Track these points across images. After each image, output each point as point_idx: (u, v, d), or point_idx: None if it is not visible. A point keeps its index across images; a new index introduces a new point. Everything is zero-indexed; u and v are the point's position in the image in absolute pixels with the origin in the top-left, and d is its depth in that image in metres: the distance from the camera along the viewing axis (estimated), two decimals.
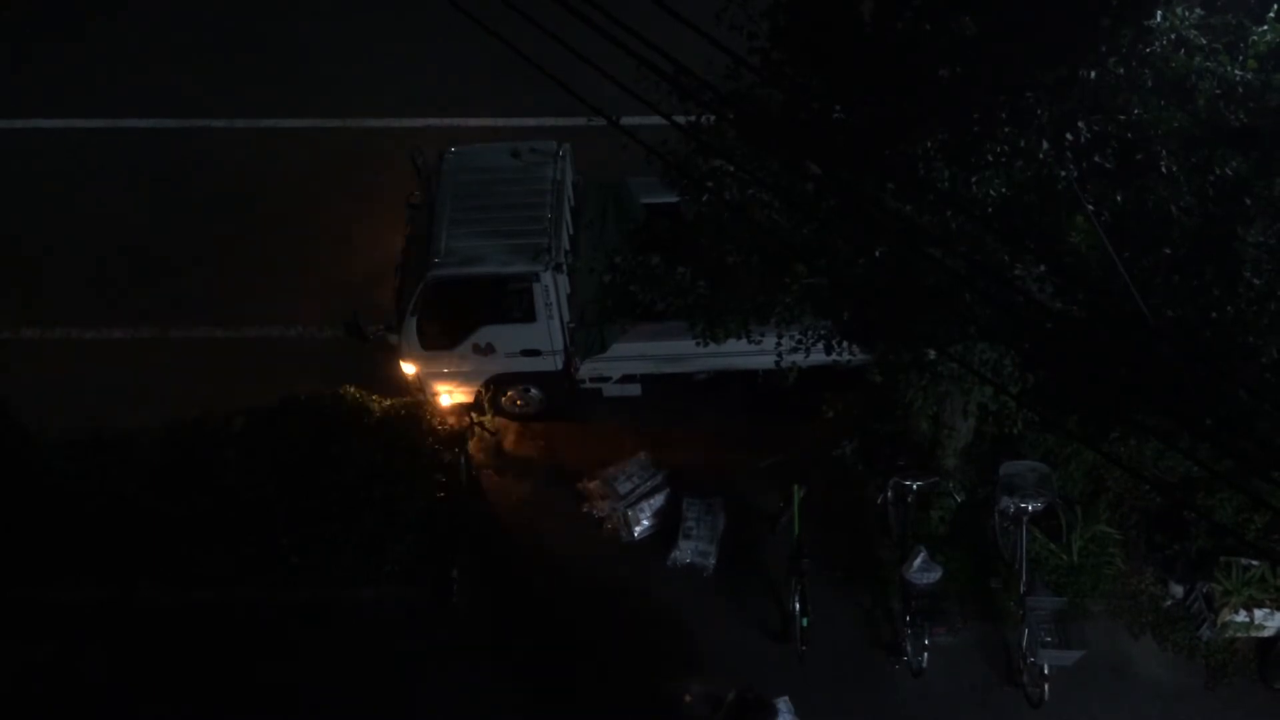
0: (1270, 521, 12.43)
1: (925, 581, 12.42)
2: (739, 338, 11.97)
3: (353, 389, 13.69)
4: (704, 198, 10.92)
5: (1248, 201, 9.70)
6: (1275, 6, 10.43)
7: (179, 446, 13.23)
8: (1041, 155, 9.51)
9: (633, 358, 13.72)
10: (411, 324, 13.29)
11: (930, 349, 10.89)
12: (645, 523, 13.54)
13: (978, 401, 12.26)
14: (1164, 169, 9.80)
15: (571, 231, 13.74)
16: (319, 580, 12.91)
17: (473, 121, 14.53)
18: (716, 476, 13.79)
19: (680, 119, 9.26)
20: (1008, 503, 12.60)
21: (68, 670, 12.78)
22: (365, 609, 13.07)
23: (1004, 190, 9.74)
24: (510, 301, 13.24)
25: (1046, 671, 12.00)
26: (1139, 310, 9.39)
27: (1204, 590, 12.57)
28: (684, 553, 13.33)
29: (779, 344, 11.95)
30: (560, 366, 13.71)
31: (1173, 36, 9.96)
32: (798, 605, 12.41)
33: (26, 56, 17.62)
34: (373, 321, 13.44)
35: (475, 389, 13.94)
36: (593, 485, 13.72)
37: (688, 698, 12.41)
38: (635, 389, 14.16)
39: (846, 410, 13.78)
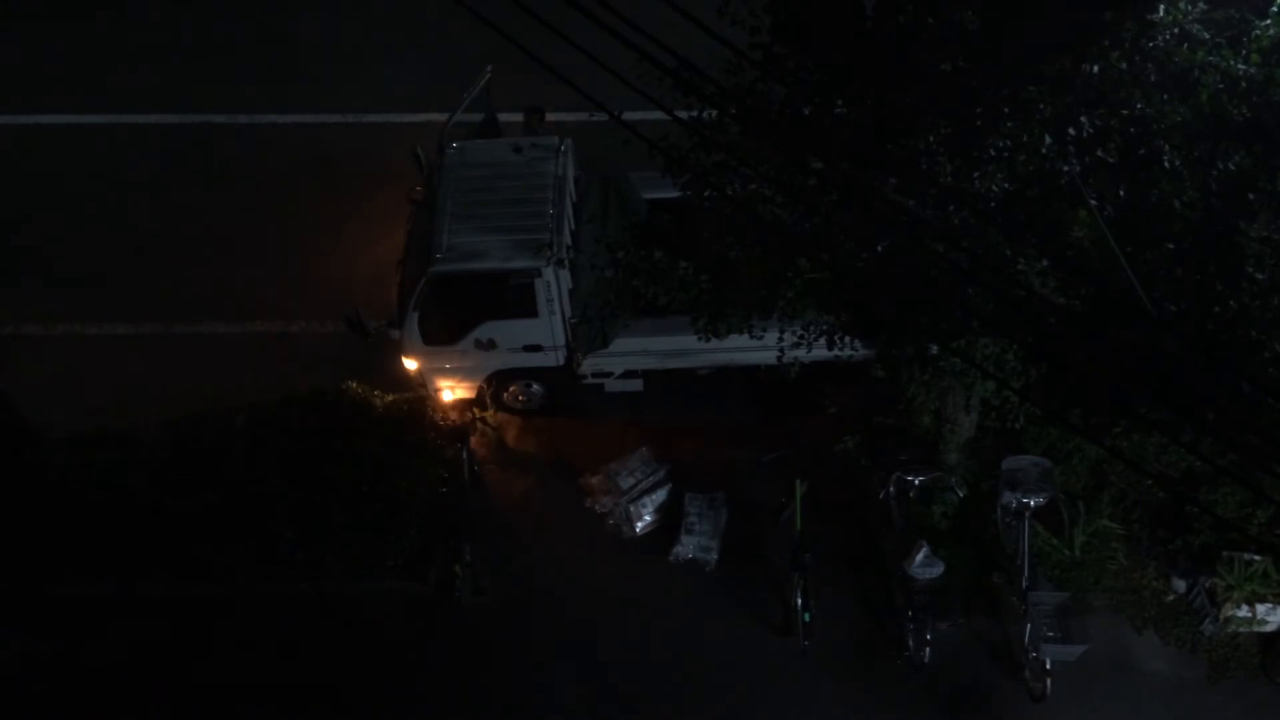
0: (1273, 516, 12.43)
1: (927, 576, 12.42)
2: (741, 333, 11.97)
3: (355, 384, 13.73)
4: (706, 193, 10.91)
5: (1251, 196, 9.69)
6: (1278, 1, 10.41)
7: (182, 442, 13.25)
8: (1044, 150, 9.50)
9: (635, 353, 13.71)
10: (413, 319, 13.28)
11: (933, 343, 10.90)
12: (647, 518, 13.53)
13: (980, 396, 12.27)
14: (1167, 163, 9.79)
15: (573, 227, 13.74)
16: (322, 575, 12.93)
17: (475, 116, 14.55)
18: (719, 472, 13.79)
19: (682, 114, 9.25)
20: (1010, 498, 12.60)
21: (70, 665, 12.78)
22: (368, 603, 13.08)
23: (1006, 185, 9.74)
24: (512, 297, 13.22)
25: (1049, 666, 12.00)
26: (1142, 304, 9.39)
27: (1206, 585, 12.57)
28: (686, 548, 13.32)
29: (781, 339, 11.96)
30: (562, 362, 13.70)
31: (1175, 30, 9.94)
32: (800, 600, 12.42)
33: (30, 52, 17.61)
34: (375, 317, 13.44)
35: (477, 384, 13.94)
36: (595, 480, 13.71)
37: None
38: (637, 384, 14.15)
39: (849, 405, 13.80)
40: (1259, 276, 9.60)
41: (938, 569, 12.41)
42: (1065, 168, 9.64)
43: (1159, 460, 12.65)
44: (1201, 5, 10.17)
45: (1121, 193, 9.89)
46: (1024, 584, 12.36)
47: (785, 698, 12.49)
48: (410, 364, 13.70)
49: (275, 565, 12.88)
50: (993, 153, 9.54)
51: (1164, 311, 9.78)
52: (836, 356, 12.22)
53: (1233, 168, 9.83)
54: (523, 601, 13.13)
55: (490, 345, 13.54)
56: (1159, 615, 12.84)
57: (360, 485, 12.84)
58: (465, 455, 13.51)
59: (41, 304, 15.24)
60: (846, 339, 11.75)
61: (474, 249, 13.09)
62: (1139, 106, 9.78)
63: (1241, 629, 12.52)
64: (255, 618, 12.98)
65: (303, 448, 13.00)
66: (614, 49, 7.54)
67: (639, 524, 13.50)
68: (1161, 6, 9.58)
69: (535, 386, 14.12)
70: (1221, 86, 10.03)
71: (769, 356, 12.53)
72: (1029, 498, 12.52)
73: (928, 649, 12.32)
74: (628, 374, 14.04)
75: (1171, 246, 9.94)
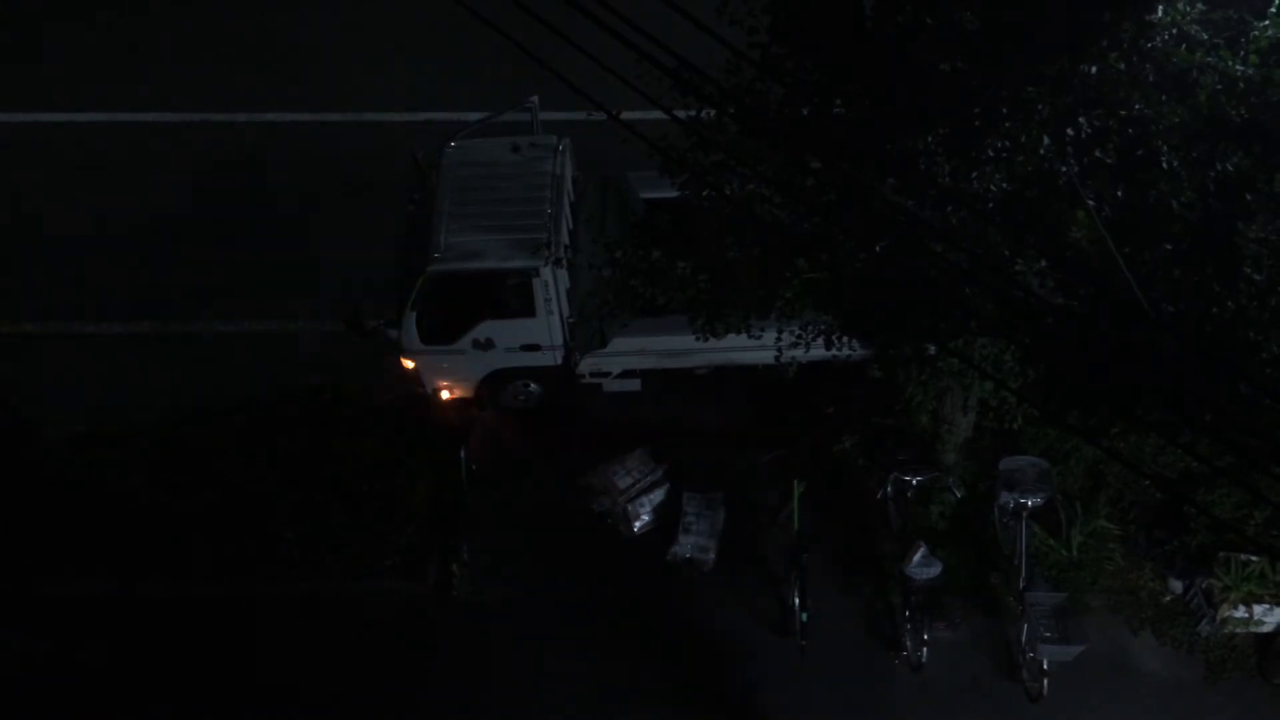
0: (1270, 517, 12.44)
1: (925, 576, 12.42)
2: (739, 333, 11.98)
3: (354, 384, 13.71)
4: (705, 193, 10.92)
5: (1249, 197, 9.69)
6: (1277, 2, 10.42)
7: (182, 441, 13.25)
8: (1042, 150, 9.50)
9: (632, 353, 13.72)
10: (411, 319, 13.28)
11: (931, 344, 10.91)
12: (645, 518, 13.54)
13: (978, 396, 12.28)
14: (1165, 164, 9.79)
15: (571, 226, 13.75)
16: (320, 574, 12.93)
17: (472, 115, 14.55)
18: (716, 471, 13.79)
19: (681, 113, 9.26)
20: (1007, 498, 12.62)
21: (67, 664, 12.78)
22: (366, 603, 13.08)
23: (1005, 185, 9.74)
24: (510, 296, 13.23)
25: (1046, 666, 12.01)
26: (1139, 305, 9.40)
27: (1203, 585, 12.58)
28: (684, 548, 13.33)
29: (779, 339, 11.97)
30: (560, 362, 13.70)
31: (1174, 31, 9.95)
32: (798, 600, 12.43)
33: (29, 50, 17.60)
34: (373, 316, 13.43)
35: (475, 383, 13.93)
36: (593, 480, 13.71)
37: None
38: (635, 384, 14.15)
39: (847, 405, 13.81)
40: (1257, 277, 9.60)
41: (935, 569, 12.42)
42: (1064, 168, 9.64)
43: (1156, 461, 12.66)
44: (1200, 6, 10.17)
45: (1120, 193, 9.89)
46: (1021, 584, 12.38)
47: (782, 698, 12.50)
48: (408, 363, 13.70)
49: (275, 565, 12.87)
50: (991, 153, 9.54)
51: (1162, 312, 9.79)
52: (834, 356, 12.24)
53: (1231, 169, 9.82)
54: (520, 601, 13.13)
55: (488, 345, 13.54)
56: (1156, 616, 12.86)
57: (360, 485, 12.84)
58: (464, 455, 13.51)
59: (38, 302, 15.23)
60: (844, 339, 11.75)
61: (472, 248, 13.09)
62: (1137, 107, 9.78)
63: (1238, 630, 12.53)
64: (255, 618, 12.98)
65: (302, 448, 13.00)
66: (614, 49, 7.55)
67: (637, 524, 13.51)
68: (1160, 7, 9.58)
69: (533, 386, 14.12)
70: (1220, 87, 10.03)
71: (767, 356, 12.54)
72: (1026, 498, 12.54)
73: (925, 649, 12.33)
74: (625, 374, 14.04)
75: (1169, 247, 9.94)
